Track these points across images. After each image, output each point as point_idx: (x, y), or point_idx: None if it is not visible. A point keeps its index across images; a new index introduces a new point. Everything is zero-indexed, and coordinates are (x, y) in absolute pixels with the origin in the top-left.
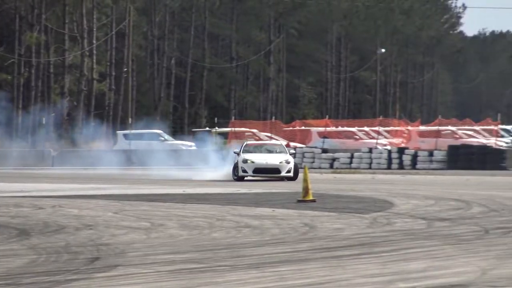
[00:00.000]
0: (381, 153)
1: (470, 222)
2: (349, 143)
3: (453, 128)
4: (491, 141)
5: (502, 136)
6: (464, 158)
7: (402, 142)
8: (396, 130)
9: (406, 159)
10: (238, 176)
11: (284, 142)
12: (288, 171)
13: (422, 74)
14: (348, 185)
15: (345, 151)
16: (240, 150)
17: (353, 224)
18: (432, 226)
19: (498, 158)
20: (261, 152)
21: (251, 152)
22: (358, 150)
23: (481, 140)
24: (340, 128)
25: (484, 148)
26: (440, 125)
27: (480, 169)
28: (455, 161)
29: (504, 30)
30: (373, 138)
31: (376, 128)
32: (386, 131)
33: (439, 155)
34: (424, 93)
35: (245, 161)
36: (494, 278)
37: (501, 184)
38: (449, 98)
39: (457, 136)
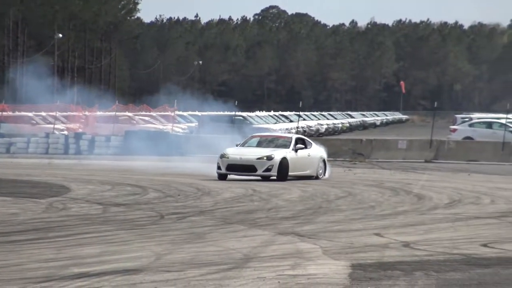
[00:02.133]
0: (58, 138)
1: (146, 207)
2: (26, 128)
3: (130, 114)
4: (168, 127)
5: (179, 122)
6: (141, 143)
7: (80, 128)
8: (74, 115)
9: (83, 144)
10: (217, 173)
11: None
12: (268, 170)
13: (100, 60)
14: (24, 170)
15: (22, 136)
16: (240, 143)
17: (28, 209)
18: (108, 211)
19: (174, 144)
20: (255, 146)
21: (245, 146)
22: (35, 135)
23: (158, 126)
24: (17, 113)
25: (161, 134)
26: (117, 111)
27: (157, 155)
28: (132, 147)
29: (181, 17)
30: (50, 123)
31: (53, 113)
32: (63, 116)
33: (116, 140)
34: (102, 79)
35: (222, 156)
36: (168, 263)
37: (183, 171)
38: (127, 84)
39: (134, 121)
